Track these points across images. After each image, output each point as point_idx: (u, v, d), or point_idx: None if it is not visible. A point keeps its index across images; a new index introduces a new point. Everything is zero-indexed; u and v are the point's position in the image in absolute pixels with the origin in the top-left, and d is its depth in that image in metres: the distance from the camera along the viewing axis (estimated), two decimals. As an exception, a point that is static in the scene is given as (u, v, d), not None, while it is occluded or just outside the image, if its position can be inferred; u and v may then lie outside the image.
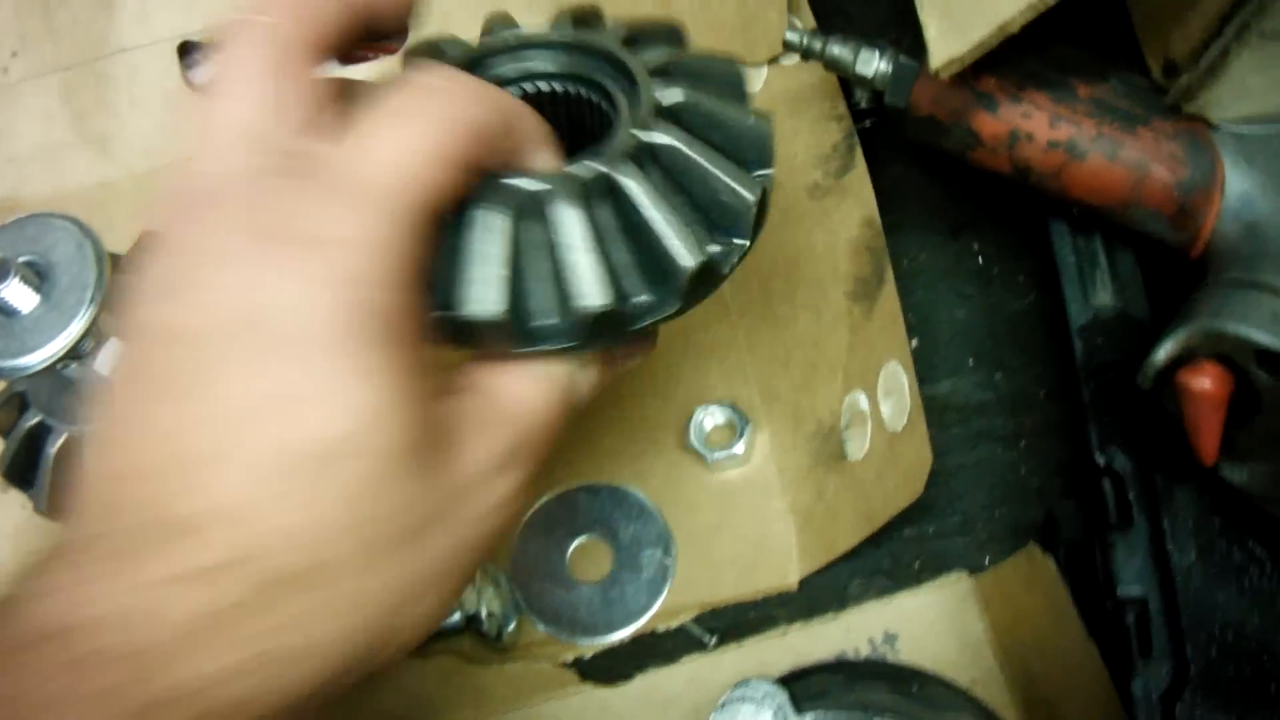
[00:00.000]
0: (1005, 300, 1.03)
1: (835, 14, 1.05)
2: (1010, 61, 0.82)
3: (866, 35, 0.88)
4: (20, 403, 0.96)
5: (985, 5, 0.74)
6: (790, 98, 1.02)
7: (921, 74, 0.88)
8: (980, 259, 1.04)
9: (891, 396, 0.90)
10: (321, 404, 0.48)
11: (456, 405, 0.56)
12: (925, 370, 0.99)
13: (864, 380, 0.92)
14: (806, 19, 0.98)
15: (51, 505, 0.95)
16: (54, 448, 0.94)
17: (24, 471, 0.96)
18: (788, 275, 1.00)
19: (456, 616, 0.94)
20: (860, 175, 0.96)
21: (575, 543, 0.99)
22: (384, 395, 0.49)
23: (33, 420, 0.96)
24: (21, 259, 0.83)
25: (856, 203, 0.96)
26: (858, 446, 0.92)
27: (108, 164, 1.07)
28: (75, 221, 0.85)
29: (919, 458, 0.86)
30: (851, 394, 0.93)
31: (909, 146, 1.03)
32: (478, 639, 0.96)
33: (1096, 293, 0.92)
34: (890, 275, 0.92)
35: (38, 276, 0.83)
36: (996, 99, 0.85)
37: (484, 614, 0.93)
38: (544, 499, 1.00)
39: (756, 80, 1.04)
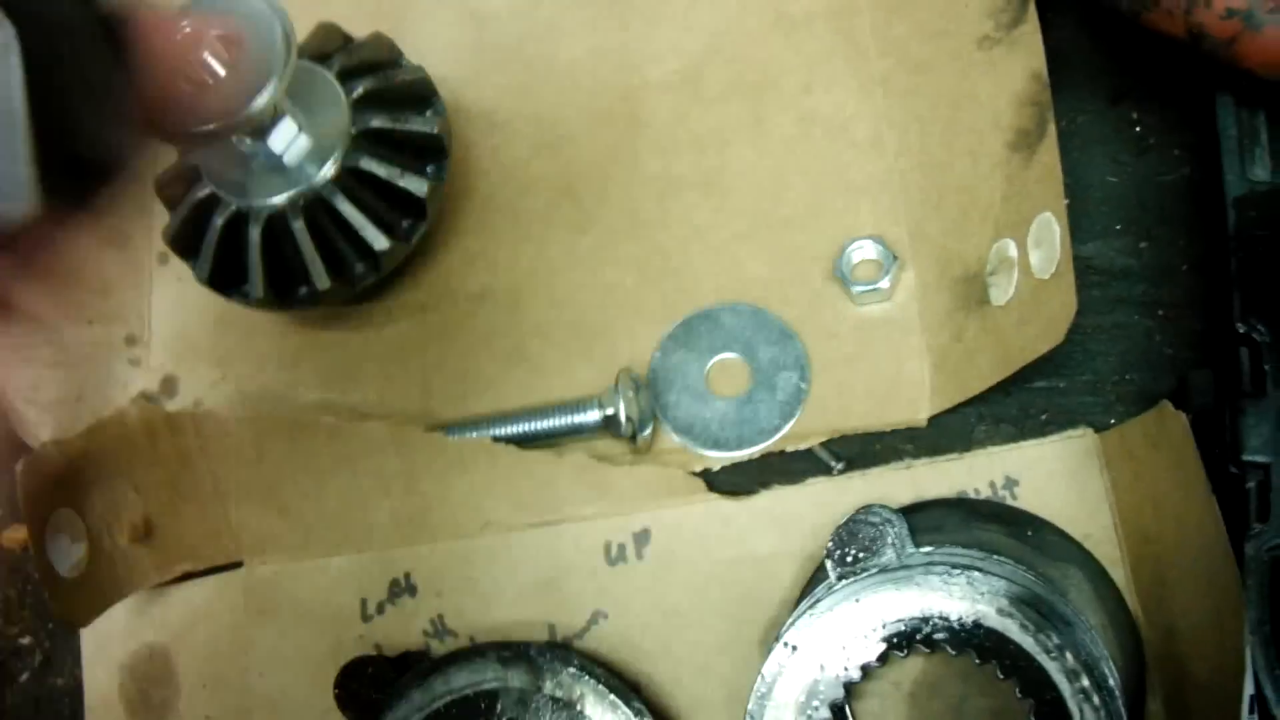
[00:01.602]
0: (1159, 170, 1.03)
1: None
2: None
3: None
4: (192, 175, 0.99)
5: None
6: (968, -53, 1.02)
7: (1103, -71, 0.88)
8: (1138, 128, 1.04)
9: (1042, 246, 0.91)
10: None
11: None
12: (1072, 231, 0.98)
13: (1015, 229, 0.93)
14: None
15: (214, 275, 0.98)
16: (222, 219, 0.97)
17: (190, 240, 1.00)
18: (949, 121, 1.01)
19: (597, 415, 0.97)
20: (1031, 30, 0.97)
21: (715, 359, 1.01)
22: None
23: (203, 191, 0.99)
24: (213, 31, 0.85)
25: (1025, 56, 0.96)
26: (1002, 292, 0.94)
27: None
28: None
29: (1064, 306, 0.87)
30: (1001, 241, 0.94)
31: (1075, 10, 1.03)
32: (614, 439, 0.99)
33: (1254, 167, 0.92)
34: (1053, 130, 0.93)
35: (226, 50, 0.86)
36: (1179, -41, 0.85)
37: (623, 416, 0.96)
38: (688, 314, 1.02)
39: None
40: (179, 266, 1.09)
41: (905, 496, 0.95)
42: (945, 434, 0.98)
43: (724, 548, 0.96)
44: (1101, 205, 1.02)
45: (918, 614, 0.84)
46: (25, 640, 1.10)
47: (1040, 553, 0.91)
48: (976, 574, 0.83)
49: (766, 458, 0.99)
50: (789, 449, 0.99)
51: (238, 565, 1.02)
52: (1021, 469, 0.95)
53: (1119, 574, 0.92)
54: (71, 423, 1.05)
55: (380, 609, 0.99)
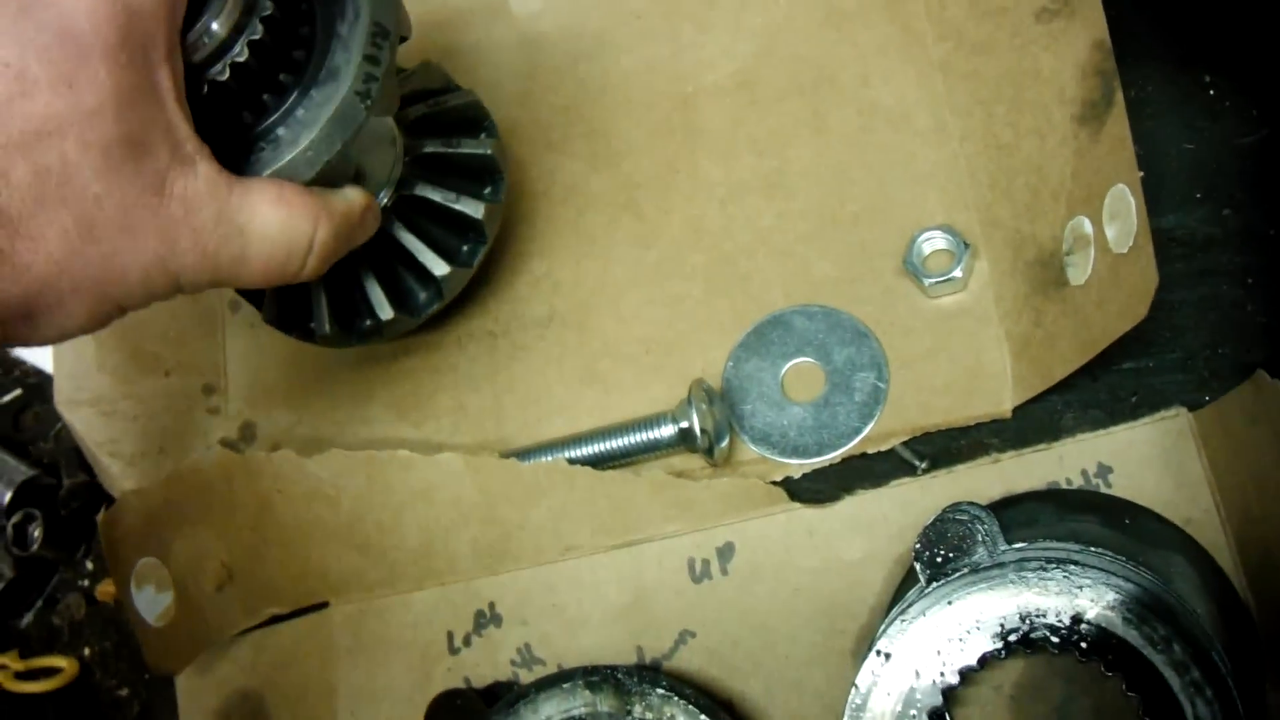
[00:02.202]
0: (1236, 133, 0.99)
1: None
2: None
3: None
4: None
5: None
6: (1020, -80, 0.99)
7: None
8: (1211, 91, 1.00)
9: (1117, 220, 0.88)
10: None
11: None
12: (1150, 203, 0.94)
13: (1088, 205, 0.90)
14: None
15: (280, 315, 0.98)
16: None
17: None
18: (1012, 100, 0.98)
19: (671, 430, 0.96)
20: (1092, -3, 0.94)
21: (789, 364, 0.99)
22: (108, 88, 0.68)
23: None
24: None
25: (1086, 25, 0.93)
26: (1080, 271, 0.90)
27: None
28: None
29: (1144, 279, 0.84)
30: (1075, 219, 0.91)
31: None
32: (690, 454, 0.98)
33: (1339, 121, 0.88)
34: (1120, 97, 0.90)
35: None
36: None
37: (698, 429, 0.94)
38: (759, 320, 1.00)
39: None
40: (250, 312, 1.09)
41: (994, 492, 0.92)
42: (1032, 424, 0.95)
43: (809, 557, 0.94)
44: (1179, 174, 0.99)
45: (1014, 613, 0.81)
46: (123, 692, 1.11)
47: (1140, 541, 0.88)
48: (1073, 567, 0.79)
49: (848, 461, 0.97)
50: (870, 451, 0.96)
51: (324, 606, 1.01)
52: (1114, 455, 0.92)
53: (1225, 558, 0.88)
54: (154, 474, 1.07)
55: (467, 641, 0.98)
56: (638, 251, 1.06)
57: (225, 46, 0.79)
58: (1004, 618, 0.80)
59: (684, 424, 0.95)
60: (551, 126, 1.12)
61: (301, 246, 0.80)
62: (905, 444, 0.96)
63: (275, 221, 0.77)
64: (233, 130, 0.81)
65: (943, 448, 0.96)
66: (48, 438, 1.17)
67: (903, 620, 0.82)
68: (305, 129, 0.81)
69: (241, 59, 0.79)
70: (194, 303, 1.12)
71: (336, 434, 1.07)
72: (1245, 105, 0.99)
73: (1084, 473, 0.92)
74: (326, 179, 0.82)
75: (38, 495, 1.12)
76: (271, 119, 0.82)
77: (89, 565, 1.13)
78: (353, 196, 0.85)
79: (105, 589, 1.10)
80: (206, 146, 0.75)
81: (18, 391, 1.21)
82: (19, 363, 1.22)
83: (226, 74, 0.79)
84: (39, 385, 1.20)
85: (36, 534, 1.11)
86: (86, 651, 1.11)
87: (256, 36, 0.79)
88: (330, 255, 0.82)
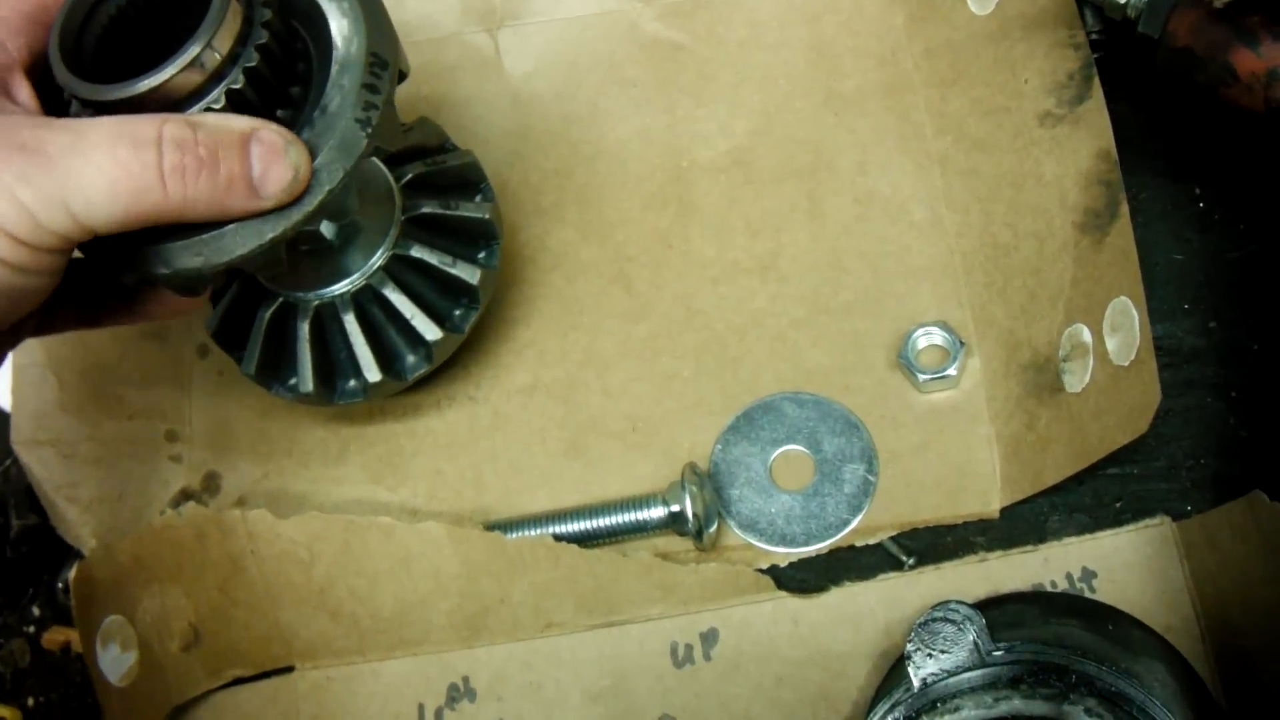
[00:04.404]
0: (1225, 247, 1.01)
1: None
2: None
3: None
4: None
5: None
6: (1025, 22, 1.01)
7: (1180, 3, 0.87)
8: (1201, 203, 1.02)
9: (1119, 332, 0.89)
10: None
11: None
12: (1139, 311, 0.98)
13: (1088, 313, 0.91)
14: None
15: (260, 368, 0.95)
16: (268, 312, 0.95)
17: (233, 333, 0.98)
18: (1011, 201, 0.99)
19: (662, 512, 0.94)
20: (1097, 106, 0.95)
21: (778, 451, 0.99)
22: None
23: (247, 283, 0.96)
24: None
25: (1091, 134, 0.94)
26: (1076, 379, 0.91)
27: None
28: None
29: (1146, 394, 0.85)
30: (1073, 326, 0.92)
31: (1131, 84, 1.01)
32: (678, 537, 0.97)
33: (1326, 243, 0.90)
34: (1125, 210, 0.91)
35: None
36: (1259, 36, 0.83)
37: (689, 513, 0.93)
38: (749, 404, 1.00)
39: (989, 2, 1.03)
40: (220, 358, 1.06)
41: (980, 591, 0.93)
42: (1018, 525, 0.95)
43: (794, 647, 0.93)
44: (1168, 284, 1.00)
45: (1004, 715, 0.81)
46: (67, 748, 1.06)
47: (1122, 648, 0.88)
48: (1063, 672, 0.80)
49: (835, 553, 0.96)
50: (858, 544, 0.96)
51: (289, 670, 0.98)
52: (1099, 560, 0.93)
53: (1201, 667, 0.89)
54: (113, 521, 1.03)
55: (439, 715, 0.96)
56: (627, 326, 1.05)
57: (219, 76, 0.76)
58: (992, 720, 0.80)
59: (675, 507, 0.94)
60: (542, 190, 1.10)
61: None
62: (893, 539, 0.96)
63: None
64: None
65: (930, 543, 0.96)
66: (-5, 476, 1.13)
67: (891, 718, 0.81)
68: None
69: (238, 85, 0.76)
70: (159, 345, 1.09)
71: (308, 491, 1.04)
72: (1234, 219, 1.01)
73: (1069, 576, 0.93)
74: (328, 212, 0.80)
75: (-19, 534, 1.08)
76: None
77: (35, 611, 1.08)
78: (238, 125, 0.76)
79: (53, 637, 1.06)
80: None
81: (-36, 425, 1.16)
82: (-32, 395, 1.17)
83: (222, 101, 0.76)
84: (-12, 421, 1.15)
85: (-21, 574, 1.06)
86: (30, 701, 1.06)
87: (252, 64, 0.76)
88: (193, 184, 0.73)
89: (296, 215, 0.78)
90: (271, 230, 0.78)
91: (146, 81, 0.74)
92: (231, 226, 0.77)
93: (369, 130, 0.79)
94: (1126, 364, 0.87)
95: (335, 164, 0.78)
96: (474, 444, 1.03)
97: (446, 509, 1.01)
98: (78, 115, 0.77)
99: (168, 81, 0.74)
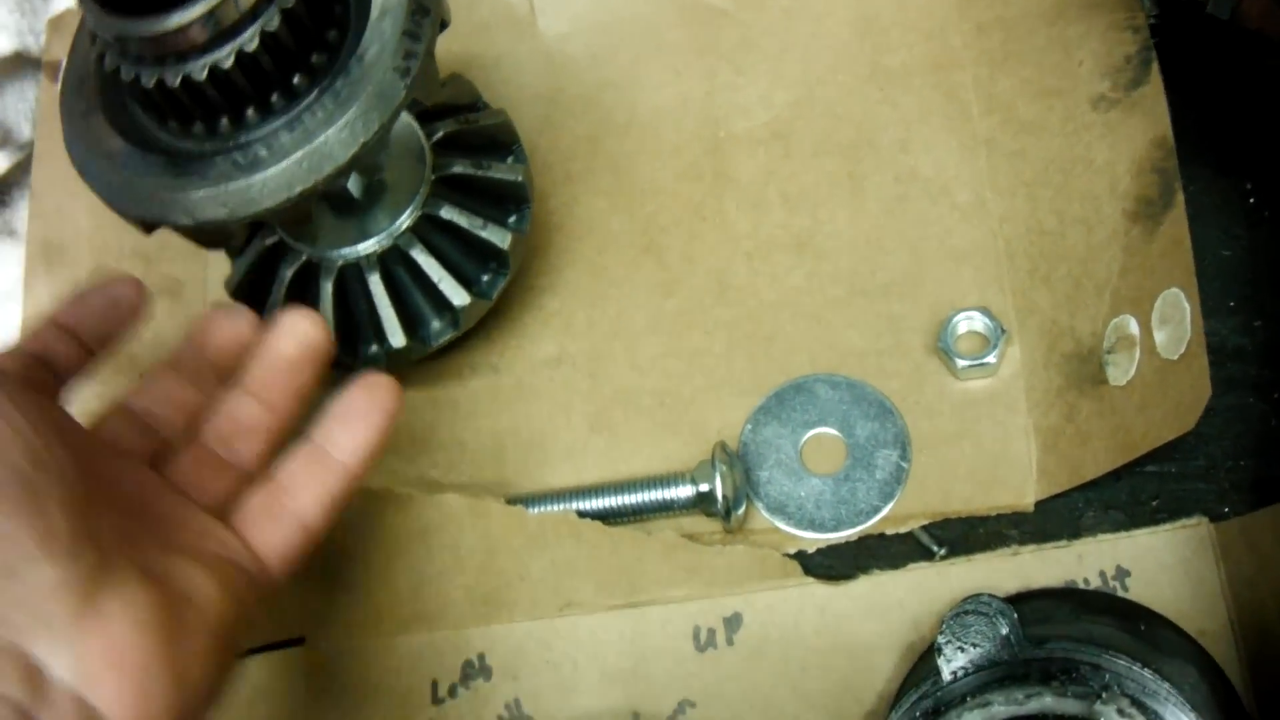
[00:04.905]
0: (1274, 245, 0.98)
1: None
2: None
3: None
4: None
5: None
6: (1081, 2, 0.98)
7: (1254, -17, 0.84)
8: (1251, 199, 1.00)
9: (1169, 324, 0.86)
10: None
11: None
12: (1187, 307, 0.95)
13: (1136, 305, 0.89)
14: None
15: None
16: (290, 270, 0.92)
17: (254, 291, 0.95)
18: (1059, 186, 0.97)
19: (690, 491, 0.92)
20: (1155, 91, 0.92)
21: (809, 433, 0.96)
22: None
23: (270, 239, 0.94)
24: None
25: (1147, 120, 0.92)
26: (1121, 372, 0.89)
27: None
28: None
29: (1196, 389, 0.83)
30: (1120, 317, 0.90)
31: (1184, 74, 0.99)
32: (704, 518, 0.94)
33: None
34: (1180, 199, 0.89)
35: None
36: (1336, 21, 0.81)
37: (719, 494, 0.90)
38: (781, 384, 0.97)
39: (1045, -19, 1.00)
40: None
41: (1011, 585, 0.90)
42: (1051, 520, 0.93)
43: (819, 635, 0.91)
44: (1214, 280, 0.98)
45: (1032, 714, 0.79)
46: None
47: (1154, 649, 0.86)
48: (1097, 673, 0.78)
49: (864, 540, 0.94)
50: (889, 532, 0.93)
51: (300, 641, 0.96)
52: (1134, 559, 0.91)
53: (1234, 674, 0.87)
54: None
55: (452, 691, 0.93)
56: (658, 299, 1.02)
57: (254, 14, 0.73)
58: (1022, 718, 0.78)
59: (704, 486, 0.92)
60: (573, 156, 1.07)
61: None
62: (924, 528, 0.93)
63: None
64: (263, 112, 0.76)
65: (961, 534, 0.94)
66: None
67: (919, 712, 0.79)
68: (341, 107, 0.75)
69: (272, 27, 0.73)
70: (176, 304, 1.06)
71: (321, 457, 1.01)
72: (1285, 216, 0.99)
73: (1102, 574, 0.91)
74: (360, 165, 0.77)
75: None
76: (304, 101, 0.77)
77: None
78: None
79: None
80: None
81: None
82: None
83: (255, 43, 0.73)
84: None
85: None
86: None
87: (289, 5, 0.73)
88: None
89: (328, 168, 0.75)
90: (301, 183, 0.75)
91: (178, 17, 0.71)
92: (259, 176, 0.75)
93: (407, 81, 0.77)
94: (1175, 357, 0.85)
95: (371, 114, 0.76)
96: (496, 415, 1.01)
97: (466, 481, 0.99)
98: (110, 65, 0.75)
99: (198, 18, 0.71)
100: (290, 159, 0.74)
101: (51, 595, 0.56)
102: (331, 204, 0.92)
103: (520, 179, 0.95)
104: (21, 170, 1.12)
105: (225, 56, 0.73)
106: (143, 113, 0.81)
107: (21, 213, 1.12)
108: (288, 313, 0.80)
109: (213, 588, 0.67)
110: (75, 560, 0.57)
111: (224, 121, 0.77)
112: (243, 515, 0.74)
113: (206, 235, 0.79)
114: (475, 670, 0.93)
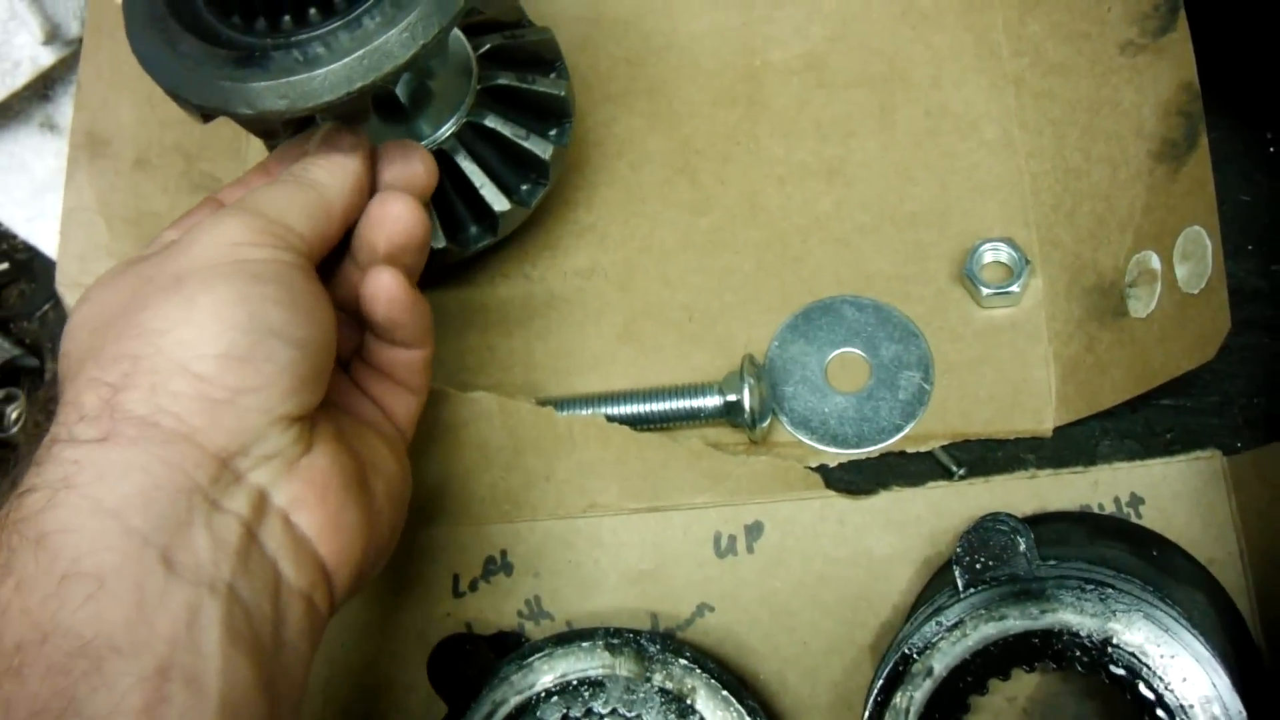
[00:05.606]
0: (1293, 193, 1.01)
1: None
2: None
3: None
4: (301, 125, 0.95)
5: None
6: (1113, -51, 1.00)
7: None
8: (1272, 148, 1.02)
9: (1190, 260, 0.88)
10: None
11: None
12: (1204, 247, 0.97)
13: (1158, 241, 0.91)
14: None
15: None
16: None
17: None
18: (1086, 126, 0.98)
19: (718, 401, 0.94)
20: (1182, 39, 0.94)
21: (835, 352, 0.98)
22: None
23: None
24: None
25: (1174, 65, 0.94)
26: (1142, 305, 0.91)
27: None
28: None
29: (1215, 322, 0.85)
30: (1142, 253, 0.92)
31: (1207, 25, 1.00)
32: (729, 429, 0.96)
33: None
34: (1204, 141, 0.90)
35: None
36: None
37: (746, 404, 0.92)
38: (808, 304, 0.99)
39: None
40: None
41: (1028, 507, 0.93)
42: (1068, 446, 0.95)
43: (838, 547, 0.93)
44: (1233, 224, 1.00)
45: (1048, 628, 0.81)
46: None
47: (1165, 574, 0.88)
48: (1110, 591, 0.80)
49: (885, 457, 0.96)
50: (909, 450, 0.96)
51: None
52: (1148, 487, 0.93)
53: (1242, 603, 0.89)
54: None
55: (473, 585, 0.95)
56: (690, 217, 1.04)
57: None
58: (1037, 631, 0.80)
59: (732, 396, 0.93)
60: (612, 78, 1.09)
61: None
62: (944, 448, 0.96)
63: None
64: (325, 12, 0.78)
65: (980, 456, 0.96)
66: (32, 318, 1.11)
67: (934, 622, 0.81)
68: (402, 10, 0.77)
69: None
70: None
71: (353, 355, 1.03)
72: (1304, 166, 1.01)
73: (1117, 500, 0.93)
74: (416, 66, 0.78)
75: (18, 376, 1.06)
76: (364, 4, 0.78)
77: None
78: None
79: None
80: None
81: (4, 265, 1.14)
82: (10, 235, 1.16)
83: None
84: (28, 263, 1.14)
85: (14, 415, 1.05)
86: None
87: None
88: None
89: (387, 66, 0.77)
90: (361, 79, 0.76)
91: None
92: (320, 71, 0.76)
93: None
94: (1196, 292, 0.87)
95: (431, 18, 0.77)
96: (527, 322, 1.03)
97: (494, 383, 1.01)
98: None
99: None
100: (352, 56, 0.76)
101: (288, 436, 0.67)
102: (379, 110, 0.93)
103: (563, 93, 0.96)
104: (66, 66, 1.13)
105: None
106: (206, 8, 0.82)
107: (63, 107, 1.13)
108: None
109: (390, 457, 0.78)
110: (308, 414, 0.69)
111: (286, 19, 0.79)
112: (381, 392, 0.81)
113: (264, 127, 0.81)
114: (497, 566, 0.95)
